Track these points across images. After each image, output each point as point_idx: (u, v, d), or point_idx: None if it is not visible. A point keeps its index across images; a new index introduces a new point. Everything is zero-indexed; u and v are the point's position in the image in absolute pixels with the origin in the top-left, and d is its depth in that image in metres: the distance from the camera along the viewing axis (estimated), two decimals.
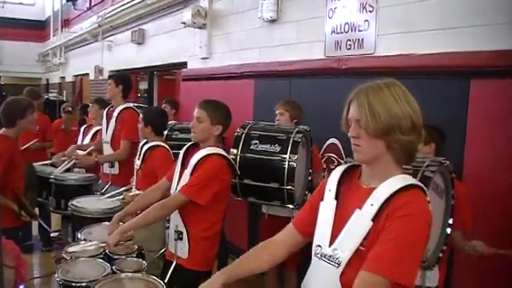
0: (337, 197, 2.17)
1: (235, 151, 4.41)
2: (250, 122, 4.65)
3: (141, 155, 4.73)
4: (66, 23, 19.14)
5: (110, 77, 6.21)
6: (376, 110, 1.96)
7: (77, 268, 3.40)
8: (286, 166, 4.22)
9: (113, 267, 3.36)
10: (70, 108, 9.97)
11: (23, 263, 2.60)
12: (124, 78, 6.14)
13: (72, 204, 4.66)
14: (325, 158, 5.48)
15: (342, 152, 5.32)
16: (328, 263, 2.06)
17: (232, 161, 3.86)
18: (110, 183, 5.74)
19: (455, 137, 4.03)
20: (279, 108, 5.18)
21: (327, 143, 5.47)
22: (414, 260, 1.93)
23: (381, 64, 4.86)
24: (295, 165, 4.21)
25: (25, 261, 2.69)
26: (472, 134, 4.15)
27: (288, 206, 4.37)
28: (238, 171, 4.16)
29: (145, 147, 4.73)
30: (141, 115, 4.88)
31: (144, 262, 3.51)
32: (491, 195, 3.97)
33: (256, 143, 4.38)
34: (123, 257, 3.58)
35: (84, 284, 3.16)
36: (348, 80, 5.17)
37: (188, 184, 3.58)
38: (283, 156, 4.25)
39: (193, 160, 3.67)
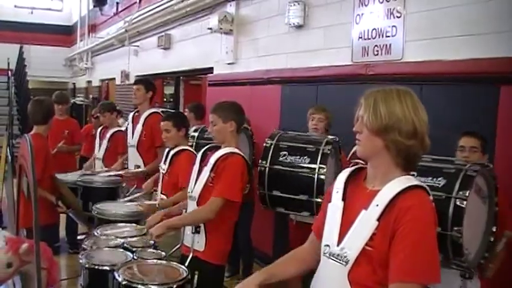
0: (344, 198, 2.26)
1: (263, 162, 4.43)
2: (279, 131, 4.64)
3: (168, 160, 4.77)
4: (93, 28, 19.34)
5: (137, 82, 6.24)
6: (379, 108, 2.09)
7: (100, 255, 3.53)
8: (316, 178, 4.23)
9: (134, 256, 3.48)
10: (98, 115, 10.06)
11: (55, 265, 2.64)
12: (153, 84, 6.28)
13: (96, 208, 4.75)
14: (352, 164, 5.45)
15: None
16: (337, 261, 2.14)
17: (248, 162, 3.99)
18: (135, 186, 5.80)
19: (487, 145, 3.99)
20: (319, 114, 5.17)
21: (353, 149, 5.44)
22: (434, 259, 2.02)
23: (408, 70, 4.87)
24: (324, 178, 4.21)
25: (56, 263, 2.74)
26: (501, 141, 4.12)
27: None
28: (266, 183, 4.27)
29: (173, 151, 4.78)
30: (168, 122, 4.83)
31: (162, 253, 3.64)
32: None
33: (285, 155, 4.39)
34: (140, 248, 3.71)
35: (108, 268, 3.29)
36: (375, 85, 5.10)
37: (222, 185, 3.73)
38: (313, 168, 4.26)
39: (213, 159, 3.84)
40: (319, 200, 4.19)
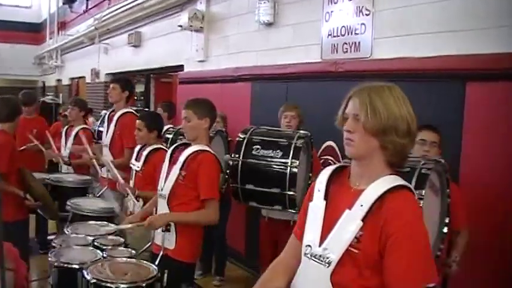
0: (326, 198, 2.18)
1: (236, 156, 4.44)
2: (252, 126, 4.65)
3: (143, 158, 4.80)
4: (63, 25, 19.08)
5: (114, 81, 6.17)
6: (378, 108, 1.99)
7: (70, 253, 3.50)
8: (288, 172, 4.24)
9: (104, 254, 3.46)
10: (67, 113, 9.93)
11: (22, 266, 2.61)
12: (130, 84, 6.21)
13: (71, 203, 4.70)
14: (322, 160, 5.49)
15: (339, 154, 5.34)
16: (319, 262, 2.07)
17: (219, 159, 3.97)
18: (106, 187, 5.75)
19: (451, 140, 4.04)
20: (291, 111, 5.16)
21: (324, 145, 5.50)
22: (430, 259, 2.00)
23: (377, 67, 4.90)
24: (296, 171, 4.23)
25: (23, 263, 2.70)
26: (468, 137, 4.18)
27: (290, 210, 4.37)
28: (239, 176, 4.28)
29: (147, 150, 4.82)
30: (141, 122, 4.90)
31: (132, 251, 3.64)
32: (487, 197, 3.99)
33: (258, 148, 4.40)
34: (111, 247, 3.70)
35: (77, 266, 3.27)
36: (344, 83, 5.15)
37: (206, 186, 3.77)
38: (285, 162, 4.27)
39: (182, 157, 3.85)
40: (291, 193, 4.22)
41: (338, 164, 2.31)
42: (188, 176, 3.79)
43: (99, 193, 5.71)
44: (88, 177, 5.92)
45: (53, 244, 3.75)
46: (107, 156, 5.93)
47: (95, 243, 3.76)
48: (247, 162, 4.40)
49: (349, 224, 2.01)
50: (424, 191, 2.94)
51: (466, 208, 3.71)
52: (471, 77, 4.19)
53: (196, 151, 3.83)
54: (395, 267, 1.92)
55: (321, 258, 2.06)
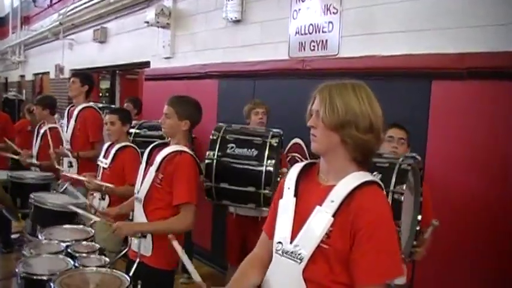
0: (296, 194, 2.20)
1: (211, 155, 4.38)
2: (224, 124, 4.61)
3: (111, 155, 4.72)
4: (26, 20, 18.72)
5: (74, 75, 6.08)
6: (336, 103, 2.04)
7: (39, 263, 3.37)
8: (264, 171, 4.22)
9: (76, 263, 3.34)
10: (34, 108, 9.79)
11: None
12: (90, 79, 6.13)
13: (34, 196, 4.61)
14: (289, 157, 5.51)
15: (306, 152, 5.36)
16: (290, 259, 2.08)
17: (197, 159, 3.85)
18: (69, 182, 5.66)
19: (416, 138, 4.08)
20: (261, 108, 5.19)
21: (291, 142, 5.51)
22: (396, 254, 2.03)
23: (344, 65, 4.93)
24: (272, 170, 4.21)
25: None
26: (433, 135, 4.25)
27: (264, 208, 4.36)
28: (214, 175, 4.21)
29: (116, 146, 4.74)
30: (114, 115, 4.82)
31: (106, 259, 3.50)
32: (451, 194, 4.07)
33: (232, 147, 4.35)
34: (85, 254, 3.57)
35: (45, 278, 3.13)
36: (312, 80, 5.12)
37: (182, 190, 3.59)
38: (261, 160, 4.25)
39: (159, 157, 3.69)
40: (266, 191, 4.21)
41: (307, 161, 2.32)
42: (165, 179, 3.62)
43: (62, 189, 5.62)
44: (50, 174, 5.81)
45: (23, 252, 3.55)
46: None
47: (68, 251, 3.57)
48: (222, 161, 4.34)
49: (320, 220, 2.03)
50: (404, 186, 2.98)
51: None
52: (437, 76, 4.26)
53: (174, 152, 3.68)
54: (360, 261, 1.95)
55: (293, 255, 2.07)
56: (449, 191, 4.08)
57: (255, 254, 2.44)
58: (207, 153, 4.41)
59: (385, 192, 2.14)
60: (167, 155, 3.67)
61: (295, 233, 2.10)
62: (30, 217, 4.63)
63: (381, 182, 2.12)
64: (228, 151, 4.38)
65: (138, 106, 7.56)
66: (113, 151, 4.71)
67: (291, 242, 2.10)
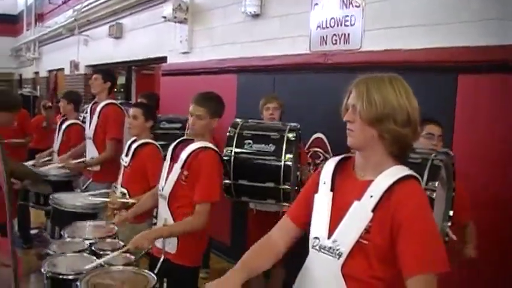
0: (332, 189, 2.19)
1: (228, 151, 4.35)
2: (240, 120, 4.57)
3: (131, 153, 4.60)
4: (40, 17, 18.78)
5: (96, 71, 6.09)
6: (373, 97, 2.01)
7: (64, 262, 3.33)
8: (282, 166, 4.18)
9: (101, 262, 3.31)
10: (50, 104, 9.83)
11: (20, 263, 2.52)
12: (112, 75, 6.16)
13: (53, 198, 4.56)
14: (311, 152, 5.46)
15: (328, 146, 5.31)
16: (328, 254, 2.07)
17: (221, 156, 3.84)
18: (91, 179, 5.67)
19: (443, 132, 4.02)
20: (273, 103, 5.13)
21: (313, 137, 5.46)
22: (441, 246, 1.99)
23: (367, 59, 4.87)
24: (290, 165, 4.17)
25: (20, 259, 2.60)
26: (459, 129, 4.18)
27: (284, 204, 4.32)
28: (232, 172, 4.17)
29: (135, 144, 4.61)
30: (138, 109, 4.72)
31: (132, 257, 3.46)
32: (477, 188, 4.00)
33: (249, 143, 4.32)
34: (109, 252, 3.53)
35: (72, 277, 3.10)
36: (334, 75, 5.16)
37: (202, 188, 3.56)
38: (279, 155, 4.21)
39: (184, 154, 3.65)
40: (285, 186, 4.16)
41: (342, 155, 2.29)
42: (191, 176, 3.58)
43: (84, 186, 5.61)
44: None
45: (48, 251, 3.52)
46: (90, 149, 5.84)
47: (92, 249, 3.53)
48: (240, 157, 4.31)
49: (359, 215, 2.02)
50: (437, 183, 2.93)
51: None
52: (462, 70, 4.19)
53: (199, 148, 3.63)
54: (406, 252, 1.92)
55: (331, 251, 2.06)
56: (475, 187, 4.00)
57: (267, 239, 2.40)
58: (225, 150, 4.38)
59: (423, 187, 2.11)
60: (192, 151, 3.63)
61: (333, 229, 2.09)
62: (50, 219, 4.61)
63: (418, 176, 2.10)
64: (246, 147, 4.36)
65: (153, 101, 7.52)
66: (132, 148, 4.60)
67: (328, 238, 2.09)
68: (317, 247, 2.13)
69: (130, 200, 4.33)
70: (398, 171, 2.05)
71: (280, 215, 4.82)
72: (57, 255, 3.42)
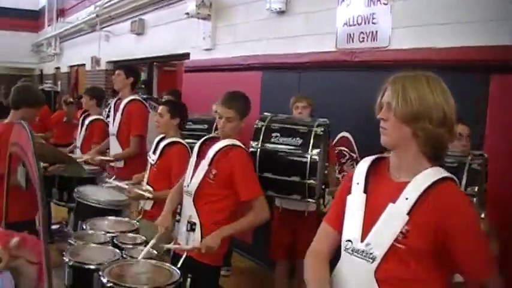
0: (365, 191, 2.14)
1: (254, 144, 4.26)
2: (269, 114, 4.51)
3: (159, 151, 4.55)
4: (62, 12, 18.90)
5: (118, 67, 6.04)
6: (409, 95, 1.98)
7: (87, 252, 3.32)
8: (309, 160, 4.08)
9: (123, 254, 3.29)
10: (71, 100, 9.86)
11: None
12: (135, 71, 6.11)
13: (78, 191, 4.57)
14: (337, 151, 5.39)
15: (354, 146, 5.24)
16: (361, 258, 2.03)
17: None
18: (114, 176, 5.64)
19: (474, 133, 3.94)
20: (302, 102, 5.05)
21: (338, 136, 5.38)
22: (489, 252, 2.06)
23: (395, 57, 4.79)
24: (317, 159, 4.08)
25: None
26: (491, 129, 4.09)
27: (309, 200, 4.26)
28: (258, 165, 4.06)
29: (164, 142, 4.56)
30: (164, 107, 4.68)
31: (154, 251, 3.44)
32: (509, 188, 3.92)
33: (277, 136, 4.23)
34: (131, 246, 3.52)
35: (94, 267, 3.10)
36: (361, 73, 5.10)
37: (248, 185, 3.59)
38: (306, 149, 4.11)
39: (211, 152, 3.63)
40: (311, 181, 4.07)
41: (376, 156, 2.26)
42: (219, 175, 3.56)
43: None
44: (97, 167, 5.77)
45: (70, 241, 3.55)
46: (114, 145, 5.83)
47: (114, 241, 3.55)
48: (266, 150, 4.19)
49: (394, 218, 1.98)
50: (476, 188, 2.86)
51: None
52: (495, 69, 4.10)
53: (226, 146, 3.61)
54: (468, 256, 1.92)
55: (364, 254, 2.02)
56: (507, 186, 3.92)
57: (319, 252, 2.33)
58: (251, 142, 4.31)
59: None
60: (220, 149, 3.61)
61: (366, 231, 2.05)
62: (74, 212, 4.60)
63: (455, 178, 2.07)
64: (272, 140, 4.24)
65: (176, 98, 7.50)
66: (160, 147, 4.55)
67: (361, 241, 2.05)
68: (349, 250, 2.09)
69: (146, 193, 4.36)
70: (435, 173, 2.01)
71: (305, 214, 4.79)
72: (79, 245, 3.41)
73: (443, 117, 1.97)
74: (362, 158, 4.93)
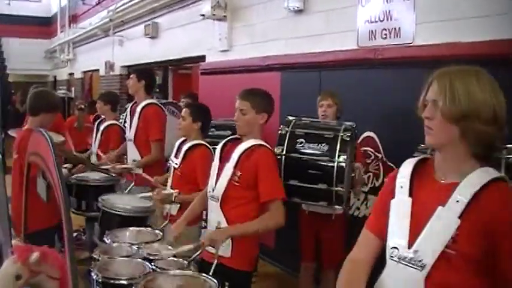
0: (410, 194, 2.01)
1: (279, 150, 4.13)
2: (293, 117, 4.37)
3: (181, 154, 4.48)
4: (74, 18, 18.90)
5: (132, 71, 5.92)
6: (457, 92, 1.85)
7: (115, 266, 3.20)
8: (335, 167, 3.95)
9: (153, 266, 3.17)
10: (83, 106, 9.85)
11: (67, 274, 2.37)
12: (147, 73, 5.94)
13: (102, 200, 4.49)
14: (362, 152, 5.25)
15: (379, 145, 5.10)
16: (410, 266, 1.91)
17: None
18: (133, 183, 5.52)
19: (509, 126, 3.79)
20: (326, 100, 4.90)
21: (363, 136, 5.23)
22: None
23: (420, 54, 4.65)
24: (344, 166, 3.95)
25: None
26: None
27: (336, 207, 4.13)
28: (283, 172, 3.95)
29: (187, 145, 4.49)
30: (186, 109, 4.65)
31: (185, 262, 3.32)
32: None
33: (302, 142, 4.08)
34: (159, 256, 3.39)
35: (125, 282, 2.98)
36: (385, 70, 4.97)
37: (270, 185, 3.43)
38: (332, 156, 3.97)
39: (236, 154, 3.50)
40: (338, 188, 3.93)
41: (420, 157, 2.13)
42: (244, 177, 3.42)
43: (127, 190, 5.48)
44: (114, 174, 5.65)
45: (94, 256, 3.40)
46: (131, 151, 5.71)
47: (141, 253, 3.39)
48: (292, 157, 4.06)
49: (444, 222, 1.85)
50: None
51: None
52: None
53: (251, 146, 3.48)
54: None
55: (412, 262, 1.90)
56: None
57: (358, 260, 2.20)
58: (275, 149, 4.18)
59: None
60: (245, 150, 3.48)
61: (414, 237, 1.92)
62: (99, 222, 4.50)
63: (507, 178, 1.92)
64: (298, 146, 4.10)
65: (195, 102, 7.40)
66: (183, 150, 4.48)
67: (409, 247, 1.92)
68: (396, 258, 1.97)
69: (174, 192, 4.32)
70: (485, 174, 1.88)
71: (333, 217, 4.67)
72: (106, 260, 3.29)
73: (493, 115, 1.85)
74: (387, 158, 4.83)
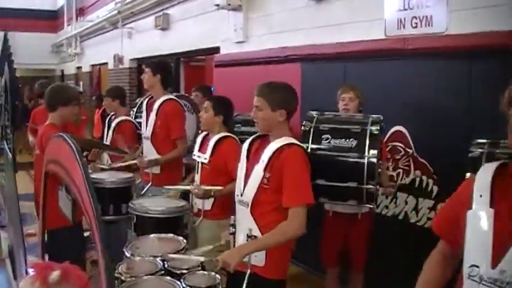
0: (491, 205, 1.75)
1: (304, 148, 3.89)
2: (316, 112, 4.11)
3: (209, 148, 4.32)
4: (81, 11, 18.67)
5: (146, 65, 5.62)
6: None
7: (140, 286, 2.96)
8: (366, 163, 3.69)
9: (183, 284, 2.93)
10: (82, 100, 9.71)
11: None
12: (162, 67, 5.57)
13: (133, 205, 4.34)
14: (390, 147, 4.99)
15: (410, 140, 4.84)
16: None
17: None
18: (150, 183, 5.26)
19: None
20: (347, 93, 4.67)
21: (391, 131, 4.97)
22: None
23: (454, 44, 4.41)
24: (375, 161, 3.68)
25: None
26: None
27: (367, 205, 3.88)
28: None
29: (214, 139, 4.34)
30: (209, 102, 4.49)
31: (217, 276, 3.07)
32: None
33: (327, 138, 3.81)
34: (186, 271, 3.15)
35: None
36: (414, 62, 4.73)
37: (294, 190, 3.12)
38: (362, 151, 3.72)
39: (266, 156, 3.22)
40: (369, 186, 3.68)
41: (499, 162, 1.87)
42: (273, 178, 3.15)
43: (143, 191, 5.22)
44: (131, 175, 5.29)
45: (117, 274, 3.11)
46: (148, 150, 5.43)
47: (167, 268, 3.17)
48: (317, 155, 3.78)
49: None
50: None
51: None
52: None
53: (282, 146, 3.20)
54: None
55: (498, 283, 1.64)
56: None
57: (434, 266, 2.07)
58: None
59: None
60: (275, 151, 3.20)
61: (498, 255, 1.66)
62: (133, 228, 4.28)
63: None
64: (323, 143, 3.84)
65: (208, 95, 7.12)
66: (211, 144, 4.31)
67: (493, 267, 1.66)
68: (476, 278, 1.71)
69: (214, 188, 4.18)
70: None
71: (359, 216, 4.48)
72: (131, 282, 3.03)
73: None
74: (418, 153, 4.58)
